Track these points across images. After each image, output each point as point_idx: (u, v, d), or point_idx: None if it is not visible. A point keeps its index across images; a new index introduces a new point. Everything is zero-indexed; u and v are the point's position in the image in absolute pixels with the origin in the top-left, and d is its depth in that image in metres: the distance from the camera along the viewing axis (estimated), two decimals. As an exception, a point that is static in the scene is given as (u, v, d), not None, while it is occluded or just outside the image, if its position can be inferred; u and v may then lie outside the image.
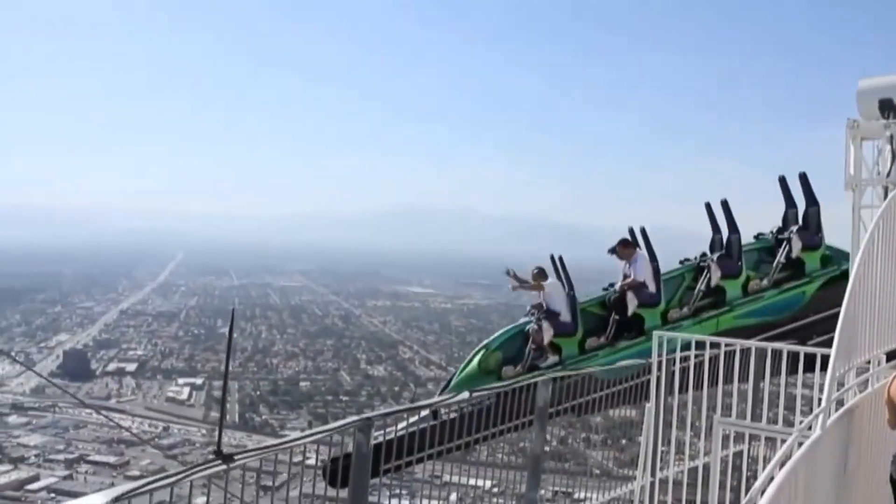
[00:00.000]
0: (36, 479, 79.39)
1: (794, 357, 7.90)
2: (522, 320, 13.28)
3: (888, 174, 11.47)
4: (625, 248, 13.39)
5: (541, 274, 13.33)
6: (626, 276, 13.33)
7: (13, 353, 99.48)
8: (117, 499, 4.24)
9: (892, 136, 11.46)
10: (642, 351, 10.71)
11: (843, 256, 13.69)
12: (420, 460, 9.01)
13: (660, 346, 8.07)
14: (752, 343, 8.04)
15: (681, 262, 14.37)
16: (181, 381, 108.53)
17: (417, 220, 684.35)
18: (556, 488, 10.55)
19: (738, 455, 8.45)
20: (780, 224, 14.31)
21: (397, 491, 8.82)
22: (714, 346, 8.09)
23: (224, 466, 5.04)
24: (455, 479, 9.23)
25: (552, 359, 12.86)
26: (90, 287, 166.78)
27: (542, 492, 9.74)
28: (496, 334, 13.26)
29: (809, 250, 13.80)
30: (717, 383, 7.95)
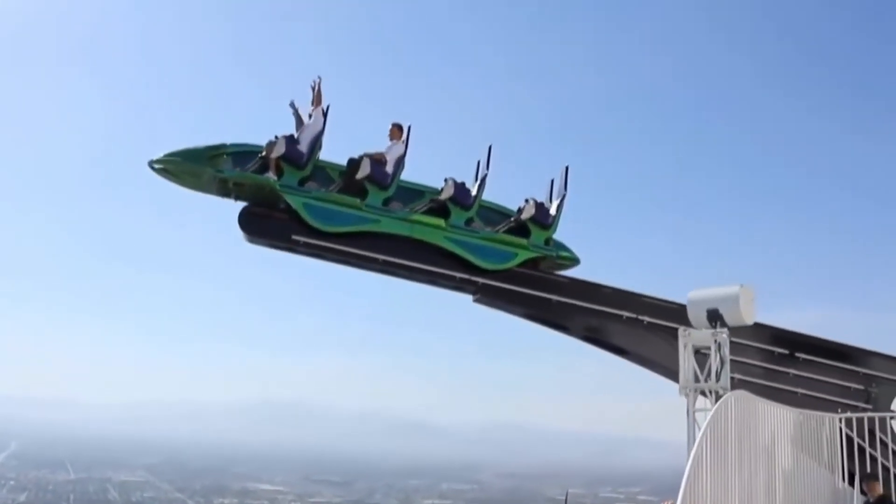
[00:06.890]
0: None
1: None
2: None
3: (717, 379, 12.23)
4: (397, 129, 13.65)
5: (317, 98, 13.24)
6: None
7: None
8: None
9: (718, 344, 12.33)
10: None
11: (562, 249, 14.47)
12: None
13: None
14: None
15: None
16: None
17: (276, 414, 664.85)
18: None
19: None
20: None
21: None
22: None
23: None
24: None
25: (270, 175, 12.72)
26: None
27: None
28: (246, 141, 13.09)
29: (539, 225, 14.29)
30: None
